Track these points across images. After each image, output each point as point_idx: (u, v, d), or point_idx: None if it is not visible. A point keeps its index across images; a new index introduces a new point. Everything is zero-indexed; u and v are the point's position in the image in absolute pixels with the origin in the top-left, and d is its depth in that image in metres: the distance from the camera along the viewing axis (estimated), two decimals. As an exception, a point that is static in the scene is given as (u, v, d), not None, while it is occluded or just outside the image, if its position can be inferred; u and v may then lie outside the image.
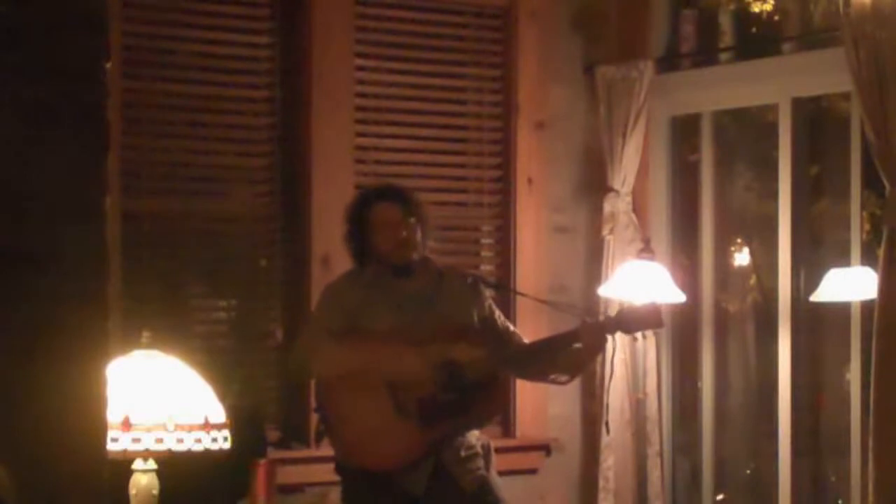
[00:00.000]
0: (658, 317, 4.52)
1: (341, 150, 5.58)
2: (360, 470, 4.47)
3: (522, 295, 5.48)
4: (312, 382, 4.82)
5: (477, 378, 4.42)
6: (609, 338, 4.63)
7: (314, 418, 4.65)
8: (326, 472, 4.68)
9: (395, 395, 4.40)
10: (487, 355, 4.45)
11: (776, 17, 6.10)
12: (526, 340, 4.68)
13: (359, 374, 4.42)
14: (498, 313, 4.68)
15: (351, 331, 4.47)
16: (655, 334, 5.77)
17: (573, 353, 4.53)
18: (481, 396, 4.46)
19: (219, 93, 5.46)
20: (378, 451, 4.42)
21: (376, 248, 4.55)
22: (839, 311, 5.40)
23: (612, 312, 5.17)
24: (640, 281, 5.50)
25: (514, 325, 4.80)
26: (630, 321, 4.55)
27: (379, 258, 4.56)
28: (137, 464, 3.81)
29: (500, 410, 4.75)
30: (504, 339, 4.61)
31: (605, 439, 5.82)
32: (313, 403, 4.64)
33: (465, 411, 4.44)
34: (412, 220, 4.55)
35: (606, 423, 5.76)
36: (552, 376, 4.67)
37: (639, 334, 5.55)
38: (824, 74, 5.36)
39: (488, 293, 4.72)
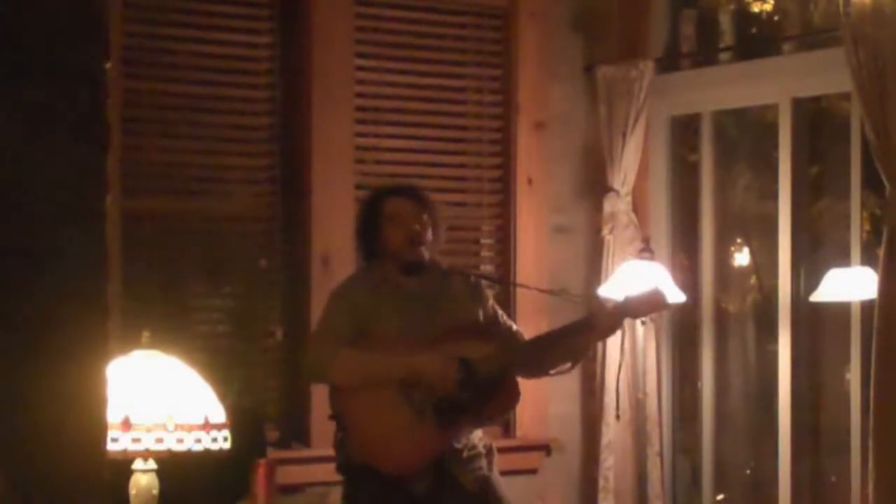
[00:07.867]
0: (662, 299, 4.53)
1: (341, 150, 5.58)
2: (374, 471, 4.43)
3: (524, 286, 5.46)
4: (328, 390, 4.76)
5: (489, 374, 4.41)
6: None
7: (331, 427, 4.56)
8: (326, 472, 4.67)
9: (411, 397, 4.38)
10: (499, 351, 4.44)
11: (776, 17, 6.10)
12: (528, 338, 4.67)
13: (378, 380, 4.39)
14: (501, 313, 4.67)
15: (361, 334, 4.43)
16: (656, 333, 5.77)
17: (581, 340, 4.53)
18: (495, 392, 4.45)
19: (219, 93, 5.47)
20: (399, 453, 4.39)
21: (388, 242, 4.51)
22: (839, 311, 5.40)
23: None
24: (639, 281, 5.49)
25: (515, 321, 4.80)
26: (636, 306, 4.56)
27: (390, 255, 4.52)
28: (137, 464, 3.82)
29: (514, 404, 4.71)
30: (508, 338, 4.60)
31: (605, 439, 5.82)
32: (328, 411, 4.56)
33: (481, 408, 4.44)
34: (425, 217, 4.52)
35: (617, 410, 5.70)
36: (561, 367, 4.61)
37: (647, 318, 5.53)
38: (824, 74, 5.36)
39: (490, 293, 4.72)
